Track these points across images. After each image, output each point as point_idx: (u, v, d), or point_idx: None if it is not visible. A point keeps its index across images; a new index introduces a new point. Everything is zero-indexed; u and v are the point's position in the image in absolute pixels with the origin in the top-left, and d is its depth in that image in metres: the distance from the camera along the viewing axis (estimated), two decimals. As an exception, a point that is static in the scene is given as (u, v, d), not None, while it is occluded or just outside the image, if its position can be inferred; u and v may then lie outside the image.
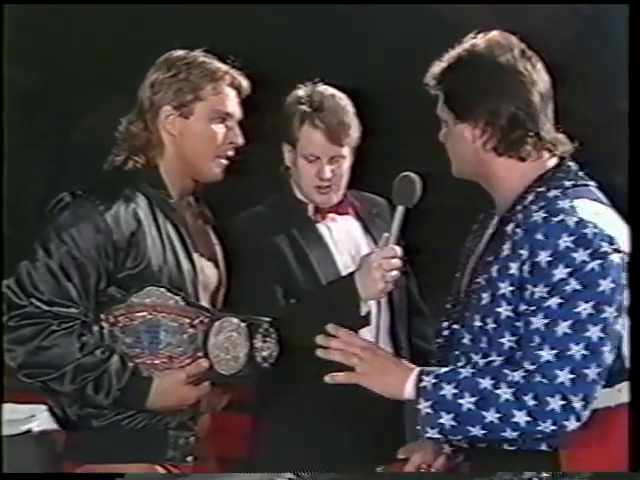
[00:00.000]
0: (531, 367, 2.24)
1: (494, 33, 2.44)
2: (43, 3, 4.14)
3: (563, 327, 2.22)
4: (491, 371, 2.29)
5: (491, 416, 2.25)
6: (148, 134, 2.75)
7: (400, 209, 2.70)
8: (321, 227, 3.08)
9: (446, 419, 2.27)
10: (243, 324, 2.66)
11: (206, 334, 2.67)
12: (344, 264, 3.04)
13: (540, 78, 2.42)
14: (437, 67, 2.47)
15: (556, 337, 2.23)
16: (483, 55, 2.42)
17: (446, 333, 2.49)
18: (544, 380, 2.23)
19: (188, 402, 2.69)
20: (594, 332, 2.23)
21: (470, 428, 2.27)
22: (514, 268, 2.29)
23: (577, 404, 2.23)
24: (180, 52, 2.79)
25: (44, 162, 4.50)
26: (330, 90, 3.06)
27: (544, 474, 2.37)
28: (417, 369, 2.34)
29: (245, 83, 2.80)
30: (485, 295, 2.35)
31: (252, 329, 2.66)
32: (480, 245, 2.49)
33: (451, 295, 2.52)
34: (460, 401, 2.26)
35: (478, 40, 2.44)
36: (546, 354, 2.23)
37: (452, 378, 2.29)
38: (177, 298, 2.66)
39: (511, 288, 2.30)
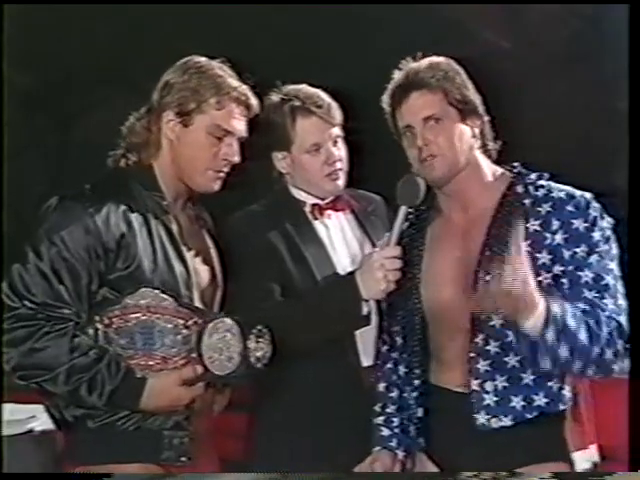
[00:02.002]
0: (605, 313, 2.51)
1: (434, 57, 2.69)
2: (43, 3, 4.14)
3: (609, 280, 2.54)
4: (589, 314, 2.50)
5: (595, 351, 2.47)
6: (148, 133, 2.76)
7: (403, 209, 2.71)
8: (317, 225, 3.08)
9: (563, 351, 2.45)
10: (236, 325, 2.66)
11: (200, 335, 2.67)
12: (340, 262, 3.04)
13: None
14: (428, 66, 2.64)
15: (609, 288, 2.54)
16: (456, 66, 2.69)
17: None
18: (622, 320, 2.52)
19: (182, 403, 2.69)
20: (618, 282, 2.58)
21: (578, 362, 2.47)
22: (549, 238, 2.56)
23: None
24: (199, 59, 2.77)
25: (44, 162, 4.50)
26: (301, 85, 3.09)
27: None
28: (542, 300, 2.44)
29: (254, 102, 2.78)
30: None
31: (245, 330, 2.67)
32: (437, 237, 2.70)
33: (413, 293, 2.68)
34: (579, 335, 2.46)
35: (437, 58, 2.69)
36: (610, 303, 2.53)
37: (570, 312, 2.46)
38: (171, 300, 2.66)
39: (549, 256, 2.56)
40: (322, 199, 3.09)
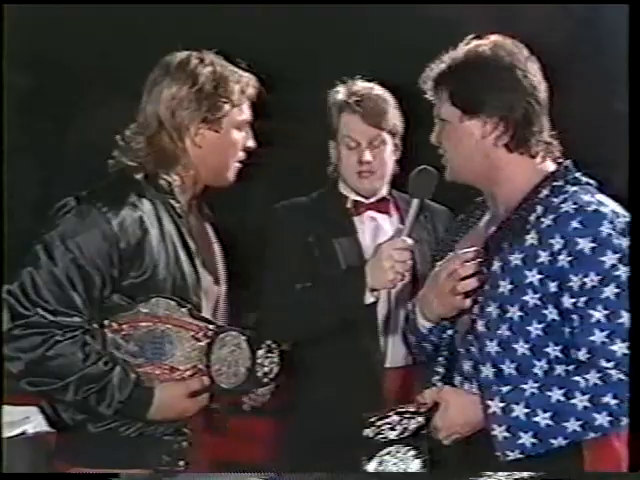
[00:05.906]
0: (607, 364, 2.25)
1: (496, 37, 2.47)
2: (43, 3, 4.14)
3: (627, 318, 2.24)
4: (557, 381, 2.30)
5: (572, 425, 2.26)
6: (174, 146, 2.69)
7: (415, 202, 2.69)
8: (356, 221, 3.14)
9: (526, 438, 2.28)
10: (245, 339, 2.64)
11: (209, 347, 2.64)
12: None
13: (541, 83, 2.46)
14: (435, 68, 2.49)
15: (624, 329, 2.24)
16: (490, 55, 2.45)
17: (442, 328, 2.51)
18: (623, 377, 2.25)
19: (188, 414, 2.67)
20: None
21: (552, 441, 2.28)
22: (543, 257, 2.32)
23: None
24: (193, 59, 2.70)
25: (41, 163, 4.50)
26: (367, 84, 3.16)
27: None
28: (476, 397, 2.33)
29: (261, 88, 2.78)
30: (503, 283, 2.37)
31: (255, 344, 2.65)
32: (468, 237, 2.53)
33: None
34: (535, 419, 2.27)
35: (481, 42, 2.46)
36: (619, 349, 2.24)
37: (519, 397, 2.29)
38: (183, 310, 2.63)
39: (539, 276, 2.32)
40: (365, 197, 3.14)
